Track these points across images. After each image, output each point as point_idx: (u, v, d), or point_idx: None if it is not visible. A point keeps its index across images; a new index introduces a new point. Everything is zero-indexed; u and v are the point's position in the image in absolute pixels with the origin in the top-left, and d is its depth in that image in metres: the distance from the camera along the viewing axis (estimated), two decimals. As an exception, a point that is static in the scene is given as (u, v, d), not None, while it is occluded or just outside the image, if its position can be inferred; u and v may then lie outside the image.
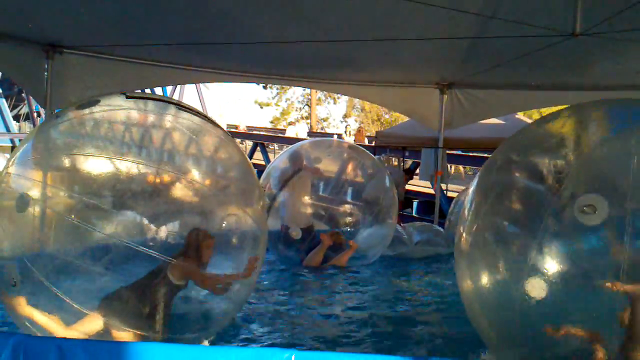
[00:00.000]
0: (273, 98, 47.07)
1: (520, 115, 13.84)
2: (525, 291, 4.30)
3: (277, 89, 45.30)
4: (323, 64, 8.85)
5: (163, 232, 4.39)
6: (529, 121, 12.19)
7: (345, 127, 34.46)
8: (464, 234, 4.94)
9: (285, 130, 30.12)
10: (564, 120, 5.04)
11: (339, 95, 42.26)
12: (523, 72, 8.50)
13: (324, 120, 48.46)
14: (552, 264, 4.25)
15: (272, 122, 42.77)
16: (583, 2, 5.07)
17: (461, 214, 5.15)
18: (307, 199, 9.06)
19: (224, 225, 4.82)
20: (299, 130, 28.71)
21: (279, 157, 10.24)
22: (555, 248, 4.30)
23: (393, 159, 17.18)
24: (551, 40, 6.17)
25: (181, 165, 4.86)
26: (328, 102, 47.45)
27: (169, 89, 30.63)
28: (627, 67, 7.95)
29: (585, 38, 5.70)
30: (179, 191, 4.59)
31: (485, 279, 4.74)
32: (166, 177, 4.47)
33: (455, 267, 5.12)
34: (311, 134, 32.11)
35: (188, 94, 36.42)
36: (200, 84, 34.48)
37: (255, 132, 30.18)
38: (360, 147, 10.75)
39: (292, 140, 23.53)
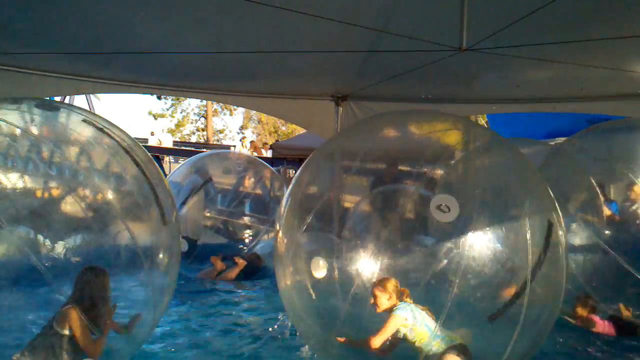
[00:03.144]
0: (168, 109, 46.15)
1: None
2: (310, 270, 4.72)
3: (172, 100, 44.39)
4: (219, 75, 8.76)
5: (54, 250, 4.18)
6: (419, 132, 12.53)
7: (242, 138, 34.39)
8: (280, 237, 5.12)
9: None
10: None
11: (235, 107, 42.08)
12: (415, 85, 8.75)
13: (220, 132, 48.04)
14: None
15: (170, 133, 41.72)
16: (469, 19, 5.31)
17: (277, 218, 5.32)
18: (206, 211, 8.95)
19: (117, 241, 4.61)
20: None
21: (178, 170, 10.06)
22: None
23: (289, 171, 17.27)
24: (440, 55, 6.43)
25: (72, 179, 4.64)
26: (225, 114, 47.08)
27: (57, 100, 29.24)
28: (509, 81, 8.38)
29: (471, 53, 5.99)
30: (70, 206, 4.38)
31: (295, 279, 4.96)
32: (56, 192, 4.26)
33: (275, 268, 5.25)
34: (206, 145, 31.61)
35: (78, 105, 35.01)
36: (91, 95, 33.17)
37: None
38: (259, 160, 10.76)
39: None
